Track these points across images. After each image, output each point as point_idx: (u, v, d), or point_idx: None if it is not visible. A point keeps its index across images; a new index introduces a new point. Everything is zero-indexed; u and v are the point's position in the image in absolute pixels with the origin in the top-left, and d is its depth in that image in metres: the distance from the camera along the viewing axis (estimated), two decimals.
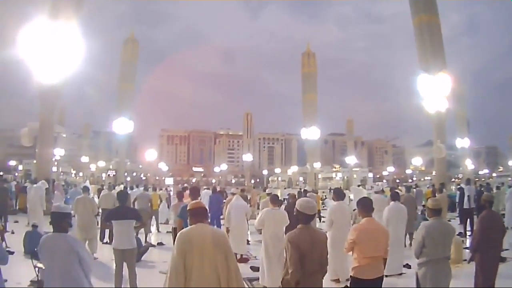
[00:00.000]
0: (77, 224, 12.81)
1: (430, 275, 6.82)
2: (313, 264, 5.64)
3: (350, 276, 6.94)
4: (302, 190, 30.51)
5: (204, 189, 27.29)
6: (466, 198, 20.29)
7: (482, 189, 24.22)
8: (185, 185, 31.15)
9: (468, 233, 18.73)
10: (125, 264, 9.74)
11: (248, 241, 16.35)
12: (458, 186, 27.72)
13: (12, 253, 13.01)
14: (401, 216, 11.99)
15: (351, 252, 6.86)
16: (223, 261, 5.13)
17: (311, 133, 62.46)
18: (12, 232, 16.60)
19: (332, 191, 13.73)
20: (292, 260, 5.76)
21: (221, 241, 5.27)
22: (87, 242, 13.03)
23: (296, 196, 16.83)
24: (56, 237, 5.74)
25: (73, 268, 5.57)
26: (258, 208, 22.98)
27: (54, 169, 34.37)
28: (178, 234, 5.33)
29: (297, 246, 5.67)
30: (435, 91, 35.64)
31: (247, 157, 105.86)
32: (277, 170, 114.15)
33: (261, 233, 11.08)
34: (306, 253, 5.61)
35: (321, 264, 5.79)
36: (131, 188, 27.27)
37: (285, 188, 52.46)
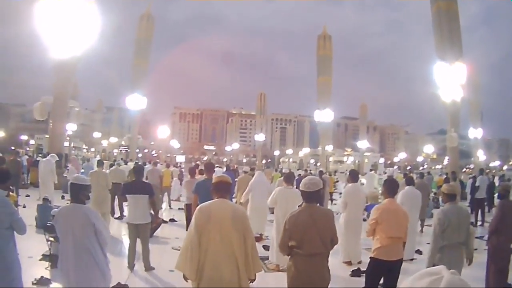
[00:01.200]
0: (91, 198, 12.90)
1: (447, 261, 6.77)
2: (314, 244, 5.51)
3: (370, 257, 6.93)
4: (309, 171, 30.56)
5: (216, 167, 27.37)
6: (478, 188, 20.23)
7: (493, 180, 24.12)
8: (197, 162, 31.21)
9: (479, 222, 18.72)
10: (138, 240, 9.81)
11: None
12: (471, 176, 27.61)
13: None
14: (415, 201, 11.93)
15: (371, 236, 6.79)
16: (241, 238, 5.10)
17: (324, 116, 62.15)
18: (24, 206, 16.67)
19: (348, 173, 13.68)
20: (281, 239, 5.82)
21: (241, 219, 5.21)
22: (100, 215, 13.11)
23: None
24: (73, 208, 5.72)
25: (88, 240, 5.54)
26: None
27: (66, 144, 34.40)
28: (197, 208, 5.27)
29: (294, 227, 5.60)
30: (450, 80, 35.40)
31: (259, 137, 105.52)
32: (289, 151, 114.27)
33: (273, 212, 11.09)
34: (305, 232, 5.52)
35: (325, 244, 5.61)
36: (144, 164, 27.40)
37: (297, 170, 52.40)
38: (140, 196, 9.73)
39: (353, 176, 12.14)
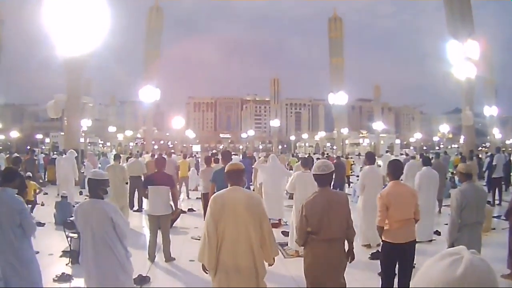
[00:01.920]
0: (109, 192, 12.95)
1: (466, 240, 6.75)
2: (332, 229, 5.52)
3: (382, 240, 6.89)
4: (326, 155, 30.56)
5: (233, 154, 27.45)
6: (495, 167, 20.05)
7: (510, 158, 23.94)
8: (214, 151, 31.34)
9: (497, 201, 18.53)
10: (158, 231, 9.91)
11: None
12: (488, 154, 27.39)
13: (42, 224, 13.24)
14: (433, 181, 11.87)
15: (383, 224, 6.76)
16: (257, 225, 5.14)
17: (338, 99, 61.95)
18: (42, 204, 16.80)
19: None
20: (299, 225, 5.84)
21: (255, 205, 5.24)
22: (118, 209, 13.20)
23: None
24: (91, 203, 5.77)
25: (107, 234, 5.58)
26: None
27: (82, 140, 34.59)
28: (211, 198, 5.31)
29: (311, 211, 5.61)
30: (463, 58, 35.15)
31: (274, 123, 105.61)
32: (304, 136, 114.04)
33: (291, 198, 11.10)
34: (323, 217, 5.52)
35: (342, 228, 5.62)
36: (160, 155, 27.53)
37: (314, 154, 52.43)
38: (162, 187, 9.86)
39: (370, 158, 12.14)
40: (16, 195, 6.06)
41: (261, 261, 5.21)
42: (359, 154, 62.36)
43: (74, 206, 12.23)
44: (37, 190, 14.81)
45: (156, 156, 18.72)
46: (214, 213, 5.09)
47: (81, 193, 20.23)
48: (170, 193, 10.13)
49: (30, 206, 12.54)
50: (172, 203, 10.25)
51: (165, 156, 19.38)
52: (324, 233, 5.52)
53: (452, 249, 1.49)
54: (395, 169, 7.04)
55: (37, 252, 6.22)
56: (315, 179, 5.86)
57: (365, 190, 11.30)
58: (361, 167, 17.55)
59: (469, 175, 7.22)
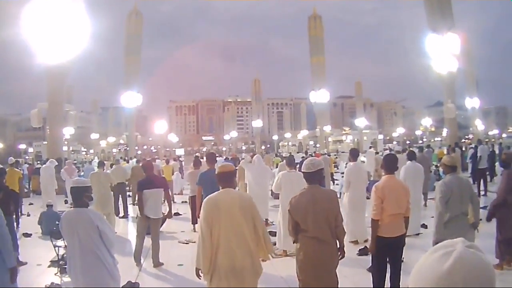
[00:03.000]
0: (94, 199, 12.84)
1: (453, 232, 6.75)
2: (318, 226, 5.51)
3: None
4: (310, 153, 30.63)
5: (216, 156, 27.40)
6: (478, 158, 20.21)
7: (493, 149, 24.12)
8: (196, 154, 31.29)
9: (482, 192, 18.66)
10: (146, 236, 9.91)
11: None
12: (471, 146, 27.64)
13: (29, 235, 13.16)
14: (418, 175, 11.96)
15: (379, 217, 6.76)
16: (251, 225, 5.17)
17: (320, 96, 62.13)
18: (28, 215, 16.71)
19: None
20: (288, 225, 5.89)
21: (249, 206, 5.26)
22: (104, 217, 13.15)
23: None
24: (76, 212, 5.69)
25: (93, 243, 5.52)
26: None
27: (65, 148, 34.43)
28: (204, 201, 5.30)
29: (295, 209, 5.65)
30: (444, 51, 35.39)
31: (257, 123, 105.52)
32: (287, 135, 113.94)
33: (277, 198, 11.11)
34: (308, 215, 5.53)
35: (329, 225, 5.58)
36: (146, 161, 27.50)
37: (298, 152, 52.54)
38: (156, 190, 9.94)
39: (354, 154, 12.21)
40: None
41: (258, 260, 5.26)
42: (337, 152, 62.43)
43: (60, 216, 12.20)
44: (21, 178, 14.76)
45: (141, 162, 18.70)
46: (207, 217, 5.09)
47: (66, 202, 20.09)
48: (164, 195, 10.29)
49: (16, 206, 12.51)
50: (164, 205, 10.33)
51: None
52: (311, 230, 5.51)
53: (447, 241, 1.47)
54: (390, 163, 7.06)
55: (26, 263, 6.14)
56: (304, 177, 5.87)
57: (350, 187, 11.33)
58: (346, 164, 17.61)
59: (454, 167, 7.25)
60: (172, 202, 19.81)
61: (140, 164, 17.35)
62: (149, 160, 16.01)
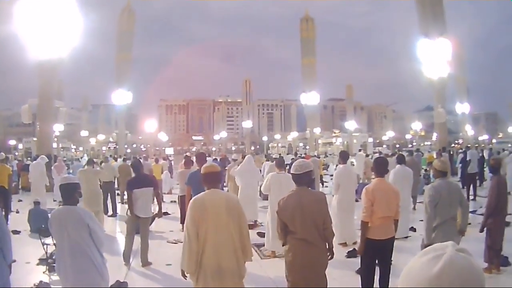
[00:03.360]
0: (82, 197, 12.78)
1: (442, 236, 6.79)
2: (305, 228, 5.51)
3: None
4: (300, 155, 30.67)
5: (206, 156, 27.37)
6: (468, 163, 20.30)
7: (482, 154, 24.24)
8: (186, 153, 31.26)
9: (471, 197, 18.71)
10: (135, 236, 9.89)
11: None
12: (460, 151, 27.79)
13: (18, 232, 13.09)
14: (407, 179, 12.04)
15: (369, 220, 6.78)
16: (236, 226, 5.18)
17: (310, 98, 62.13)
18: (17, 212, 16.64)
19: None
20: (277, 227, 5.89)
21: (235, 207, 5.28)
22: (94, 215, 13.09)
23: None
24: (66, 210, 5.66)
25: (84, 241, 5.50)
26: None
27: (55, 145, 34.28)
28: (191, 201, 5.28)
29: (282, 211, 5.66)
30: (435, 56, 35.47)
31: (247, 124, 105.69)
32: (277, 136, 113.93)
33: (266, 199, 11.11)
34: (295, 217, 5.53)
35: (316, 227, 5.57)
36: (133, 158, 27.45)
37: (287, 154, 52.51)
38: (146, 189, 9.92)
39: (343, 157, 12.25)
40: None
41: (243, 261, 5.25)
42: (325, 154, 62.47)
43: (48, 213, 12.16)
44: (11, 174, 14.70)
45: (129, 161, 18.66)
46: (194, 217, 5.07)
47: (54, 199, 20.02)
48: (153, 193, 10.26)
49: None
50: (153, 204, 10.34)
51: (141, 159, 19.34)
52: (300, 233, 5.52)
53: (437, 245, 1.47)
54: (381, 166, 7.11)
55: (14, 261, 6.10)
56: (292, 179, 5.87)
57: (339, 189, 11.35)
58: (335, 166, 17.67)
59: (444, 172, 7.26)
60: (161, 201, 19.92)
61: (129, 163, 17.31)
62: (139, 159, 15.97)
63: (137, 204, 9.81)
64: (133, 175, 11.18)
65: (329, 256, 5.79)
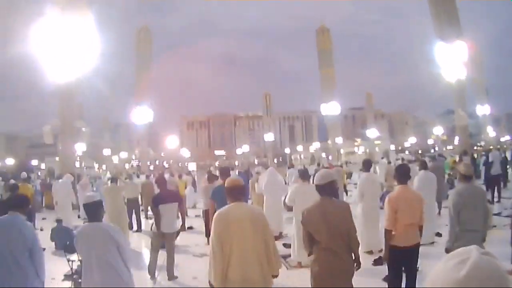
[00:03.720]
0: (107, 213, 12.83)
1: (466, 242, 6.72)
2: (330, 238, 5.48)
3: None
4: (322, 165, 30.57)
5: (229, 170, 27.36)
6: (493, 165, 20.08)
7: (505, 155, 24.00)
8: (210, 169, 31.40)
9: (495, 199, 18.56)
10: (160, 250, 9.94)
11: None
12: (483, 153, 27.55)
13: (43, 249, 13.20)
14: (431, 184, 11.97)
15: (392, 228, 6.76)
16: (261, 239, 5.10)
17: (330, 109, 62.21)
18: (41, 229, 16.76)
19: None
20: (303, 237, 5.87)
21: (260, 220, 5.22)
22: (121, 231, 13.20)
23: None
24: (93, 226, 5.74)
25: (112, 257, 5.56)
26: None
27: (77, 164, 34.59)
28: (215, 215, 5.25)
29: (307, 221, 5.66)
30: (452, 59, 35.33)
31: (269, 137, 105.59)
32: (299, 148, 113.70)
33: (290, 210, 11.10)
34: (320, 228, 5.52)
35: (341, 237, 5.51)
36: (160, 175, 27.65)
37: (310, 165, 52.52)
38: (171, 205, 9.99)
39: (367, 165, 12.20)
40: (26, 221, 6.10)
41: (269, 274, 5.18)
42: (345, 163, 62.40)
43: (72, 230, 12.26)
44: (33, 193, 14.83)
45: (154, 177, 18.79)
46: (219, 231, 5.04)
47: (79, 216, 20.21)
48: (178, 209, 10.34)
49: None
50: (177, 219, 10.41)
51: (167, 176, 19.46)
52: (325, 242, 5.50)
53: (462, 249, 1.48)
54: (403, 174, 7.06)
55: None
56: (316, 189, 5.85)
57: (365, 199, 11.31)
58: (359, 175, 17.62)
59: (469, 176, 7.19)
60: (185, 216, 20.01)
61: (153, 180, 17.45)
62: (162, 174, 16.06)
63: (163, 220, 9.85)
64: (156, 191, 11.24)
65: (356, 266, 5.74)
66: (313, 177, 11.45)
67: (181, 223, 10.78)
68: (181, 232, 11.74)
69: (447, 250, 6.67)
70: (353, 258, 5.72)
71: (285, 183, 18.20)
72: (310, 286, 5.83)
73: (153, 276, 9.90)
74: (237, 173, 23.43)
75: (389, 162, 26.98)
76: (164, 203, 9.88)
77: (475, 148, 56.11)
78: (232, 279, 4.95)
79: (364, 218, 11.20)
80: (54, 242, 13.46)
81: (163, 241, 10.08)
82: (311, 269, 5.77)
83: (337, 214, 5.58)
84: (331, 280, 5.48)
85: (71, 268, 9.36)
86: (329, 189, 5.78)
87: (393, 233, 6.70)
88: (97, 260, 5.54)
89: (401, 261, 6.72)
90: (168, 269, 9.92)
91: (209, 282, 5.24)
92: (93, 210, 5.86)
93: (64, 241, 10.78)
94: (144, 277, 9.78)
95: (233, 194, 5.36)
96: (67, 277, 9.86)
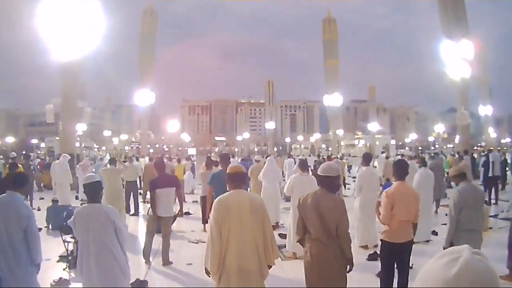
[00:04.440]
0: (105, 196, 12.82)
1: (464, 242, 6.75)
2: (322, 231, 5.50)
3: (380, 239, 6.95)
4: (322, 157, 30.58)
5: (230, 157, 27.36)
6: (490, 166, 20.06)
7: (505, 157, 24.00)
8: (209, 154, 31.44)
9: (493, 201, 18.60)
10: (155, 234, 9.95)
11: None
12: (483, 153, 27.55)
13: (39, 229, 13.23)
14: (430, 182, 11.96)
15: (387, 222, 6.78)
16: (260, 227, 5.11)
17: (333, 100, 62.26)
18: (38, 209, 16.77)
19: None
20: (298, 222, 5.91)
21: (259, 208, 5.20)
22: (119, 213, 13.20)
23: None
24: (92, 208, 5.75)
25: (109, 239, 5.58)
26: (283, 176, 22.84)
27: (77, 144, 34.59)
28: (214, 202, 5.24)
29: (301, 208, 5.72)
30: (458, 57, 35.26)
31: (270, 125, 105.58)
32: (300, 138, 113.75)
33: (288, 200, 11.10)
34: (308, 215, 5.60)
35: (326, 231, 5.52)
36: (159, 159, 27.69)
37: (309, 156, 52.55)
38: (169, 189, 9.98)
39: (367, 159, 12.18)
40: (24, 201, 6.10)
41: (265, 262, 5.18)
42: (342, 156, 62.36)
43: (70, 206, 12.32)
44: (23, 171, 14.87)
45: (154, 160, 18.77)
46: (218, 217, 5.03)
47: (77, 197, 20.24)
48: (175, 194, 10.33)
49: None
50: (175, 204, 10.39)
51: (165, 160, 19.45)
52: (315, 233, 5.54)
53: (453, 248, 1.48)
54: (400, 169, 7.05)
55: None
56: (317, 179, 5.85)
57: (362, 191, 11.30)
58: (358, 168, 17.62)
59: (462, 174, 7.20)
60: (183, 201, 20.03)
61: (153, 163, 17.45)
62: (161, 158, 16.05)
63: (159, 204, 9.85)
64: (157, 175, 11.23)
65: (348, 268, 5.68)
66: (313, 168, 11.41)
67: (178, 208, 10.73)
68: (178, 218, 11.75)
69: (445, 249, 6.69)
70: (346, 258, 5.65)
71: (282, 173, 18.21)
72: (303, 277, 5.85)
73: (147, 260, 9.91)
74: (239, 160, 23.42)
75: (387, 157, 26.96)
76: (162, 187, 9.86)
77: (475, 148, 56.08)
78: (228, 267, 4.96)
79: (361, 212, 11.20)
80: (49, 223, 13.52)
81: (159, 225, 10.07)
82: (304, 258, 5.82)
83: (330, 208, 5.55)
84: (321, 270, 5.52)
85: (66, 249, 9.39)
86: (330, 183, 5.78)
87: (384, 228, 6.72)
88: (94, 242, 5.56)
89: (394, 257, 6.74)
90: (163, 254, 9.91)
91: (205, 268, 5.23)
92: (93, 191, 5.87)
93: (60, 222, 10.80)
94: (139, 261, 9.78)
95: (234, 181, 5.35)
96: (62, 258, 9.91)
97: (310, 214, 5.56)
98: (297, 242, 6.01)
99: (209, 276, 5.23)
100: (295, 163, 21.44)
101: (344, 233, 5.59)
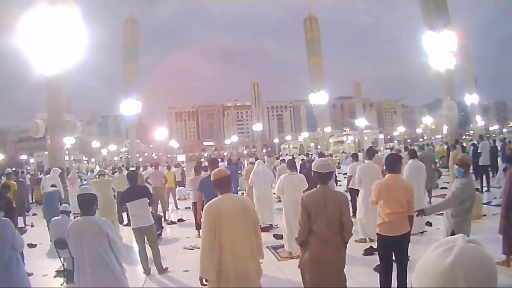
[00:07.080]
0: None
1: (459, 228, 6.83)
2: (326, 228, 5.53)
3: (377, 233, 6.98)
4: (311, 155, 30.62)
5: (218, 162, 27.39)
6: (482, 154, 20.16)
7: (495, 144, 24.11)
8: (200, 160, 31.47)
9: (485, 188, 18.68)
10: (147, 244, 9.88)
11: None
12: (472, 142, 27.66)
13: (34, 245, 13.17)
14: (421, 173, 11.97)
15: (376, 204, 6.90)
16: (252, 229, 5.13)
17: (319, 98, 62.38)
18: (32, 226, 16.74)
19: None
20: (300, 221, 5.84)
21: (250, 210, 5.22)
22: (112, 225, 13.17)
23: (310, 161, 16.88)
24: (84, 221, 5.71)
25: (103, 251, 5.54)
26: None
27: (66, 157, 34.45)
28: (205, 207, 5.18)
29: (306, 206, 5.68)
30: (441, 48, 35.44)
31: (257, 127, 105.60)
32: (288, 138, 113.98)
33: (280, 201, 11.11)
34: (318, 214, 5.57)
35: (331, 228, 5.58)
36: (145, 168, 27.61)
37: (299, 155, 52.53)
38: (139, 201, 9.76)
39: (369, 153, 12.45)
40: (3, 217, 6.04)
41: (259, 263, 5.21)
42: (330, 154, 62.53)
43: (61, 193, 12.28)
44: (16, 190, 14.85)
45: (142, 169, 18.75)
46: (210, 223, 4.99)
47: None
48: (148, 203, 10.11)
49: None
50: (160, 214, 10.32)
51: (152, 169, 19.40)
52: (319, 229, 5.55)
53: (448, 238, 1.50)
54: (392, 163, 7.07)
55: (31, 274, 6.18)
56: (316, 176, 5.86)
57: (364, 186, 11.33)
58: (348, 166, 17.67)
59: (468, 165, 7.29)
60: (176, 208, 19.98)
61: (139, 172, 17.38)
62: (134, 170, 15.96)
63: (134, 217, 9.80)
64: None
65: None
66: (301, 167, 11.37)
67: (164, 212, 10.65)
68: (171, 225, 11.70)
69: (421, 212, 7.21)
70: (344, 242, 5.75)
71: (274, 175, 18.20)
72: (299, 276, 5.85)
73: (146, 270, 9.84)
74: (226, 163, 23.42)
75: (377, 152, 27.06)
76: (130, 200, 9.75)
77: (463, 137, 56.43)
78: (226, 272, 4.92)
79: (364, 206, 11.22)
80: (42, 212, 13.55)
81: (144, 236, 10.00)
82: (300, 257, 5.88)
83: (334, 204, 5.63)
84: (322, 268, 5.55)
85: (63, 264, 9.35)
86: (329, 178, 5.87)
87: (379, 221, 6.78)
88: (89, 254, 5.52)
89: (391, 250, 6.75)
90: (156, 263, 9.86)
91: (200, 278, 5.15)
92: (87, 203, 5.84)
93: (52, 210, 10.73)
94: (136, 271, 9.75)
95: (220, 186, 5.34)
96: (58, 273, 9.86)
97: (318, 211, 5.60)
98: (299, 244, 5.97)
99: (205, 285, 5.16)
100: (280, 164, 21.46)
101: (348, 228, 5.68)
